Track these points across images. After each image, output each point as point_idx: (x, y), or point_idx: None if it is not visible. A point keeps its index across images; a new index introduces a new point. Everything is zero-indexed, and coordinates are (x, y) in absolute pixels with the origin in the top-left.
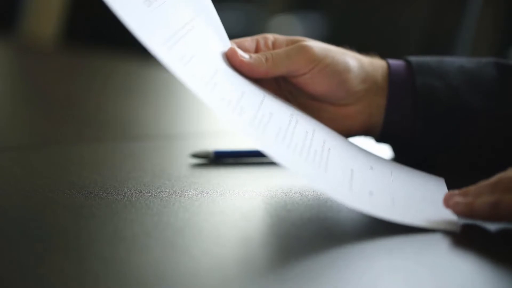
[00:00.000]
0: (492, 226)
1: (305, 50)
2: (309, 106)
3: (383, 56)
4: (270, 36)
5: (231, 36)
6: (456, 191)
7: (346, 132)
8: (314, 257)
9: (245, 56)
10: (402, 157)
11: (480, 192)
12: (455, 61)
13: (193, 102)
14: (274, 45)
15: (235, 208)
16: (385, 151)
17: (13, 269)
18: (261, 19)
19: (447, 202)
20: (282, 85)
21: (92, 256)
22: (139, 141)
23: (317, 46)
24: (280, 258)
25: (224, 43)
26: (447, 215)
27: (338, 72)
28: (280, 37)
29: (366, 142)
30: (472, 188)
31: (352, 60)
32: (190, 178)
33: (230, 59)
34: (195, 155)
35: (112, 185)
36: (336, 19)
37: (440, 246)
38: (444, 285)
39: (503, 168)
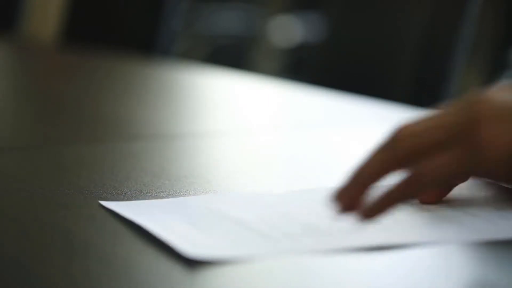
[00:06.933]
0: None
1: None
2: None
3: (383, 58)
4: None
5: (231, 36)
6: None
7: None
8: None
9: None
10: None
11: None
12: None
13: (193, 102)
14: None
15: None
16: None
17: (13, 269)
18: (261, 19)
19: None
20: None
21: (92, 256)
22: (139, 141)
23: None
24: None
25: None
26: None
27: None
28: None
29: None
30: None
31: None
32: (190, 178)
33: None
34: None
35: (112, 185)
36: (336, 19)
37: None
38: None
39: None
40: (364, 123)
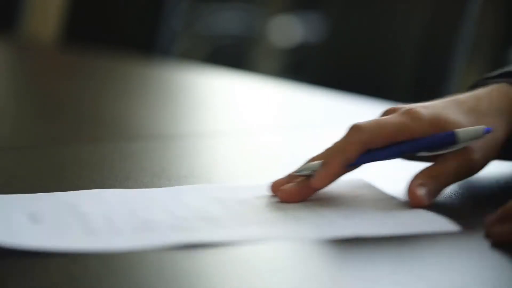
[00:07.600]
0: None
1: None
2: None
3: (383, 58)
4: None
5: (231, 36)
6: (492, 216)
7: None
8: None
9: None
10: None
11: None
12: None
13: (193, 102)
14: None
15: None
16: None
17: (13, 269)
18: (261, 19)
19: (487, 229)
20: None
21: (92, 256)
22: (139, 141)
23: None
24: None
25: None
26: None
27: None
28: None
29: None
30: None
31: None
32: (190, 178)
33: None
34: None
35: (112, 185)
36: (336, 19)
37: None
38: None
39: None
40: None
